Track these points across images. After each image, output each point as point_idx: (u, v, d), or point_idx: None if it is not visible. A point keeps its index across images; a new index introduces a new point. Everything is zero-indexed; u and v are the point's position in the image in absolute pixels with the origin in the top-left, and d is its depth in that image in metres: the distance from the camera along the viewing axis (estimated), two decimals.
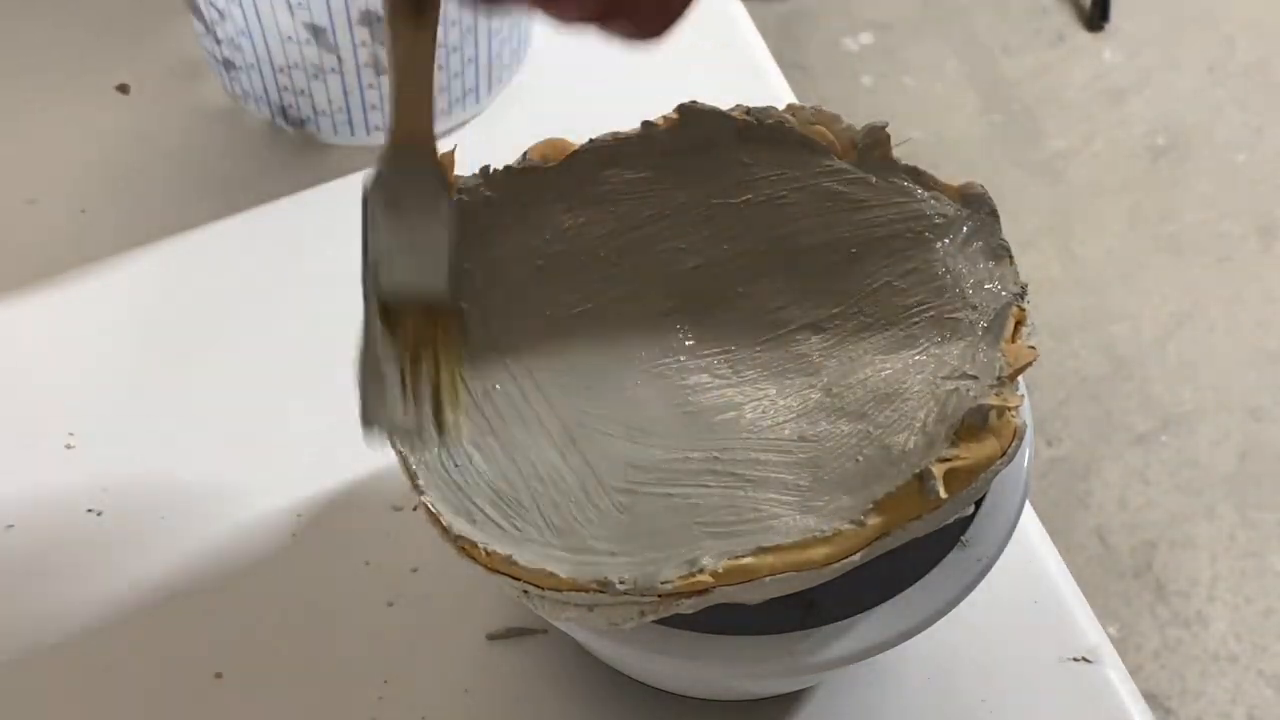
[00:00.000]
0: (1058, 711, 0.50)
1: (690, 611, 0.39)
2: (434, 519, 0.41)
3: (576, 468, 0.41)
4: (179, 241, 0.66)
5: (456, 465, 0.41)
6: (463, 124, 0.71)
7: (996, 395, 0.41)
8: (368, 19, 0.63)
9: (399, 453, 0.41)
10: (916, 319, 0.44)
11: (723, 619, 0.41)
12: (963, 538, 0.43)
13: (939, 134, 1.80)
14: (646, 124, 0.48)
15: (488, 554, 0.39)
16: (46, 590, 0.53)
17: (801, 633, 0.41)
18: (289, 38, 0.64)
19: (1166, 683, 1.28)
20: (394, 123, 0.40)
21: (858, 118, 0.49)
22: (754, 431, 0.42)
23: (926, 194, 0.47)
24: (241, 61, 0.67)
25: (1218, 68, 1.87)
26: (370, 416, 0.40)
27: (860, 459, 0.41)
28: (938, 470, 0.39)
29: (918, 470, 0.39)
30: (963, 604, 0.42)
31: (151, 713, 0.50)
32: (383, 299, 0.41)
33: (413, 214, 0.41)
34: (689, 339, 0.45)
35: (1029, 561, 0.54)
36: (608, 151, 0.47)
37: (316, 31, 0.63)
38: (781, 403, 0.43)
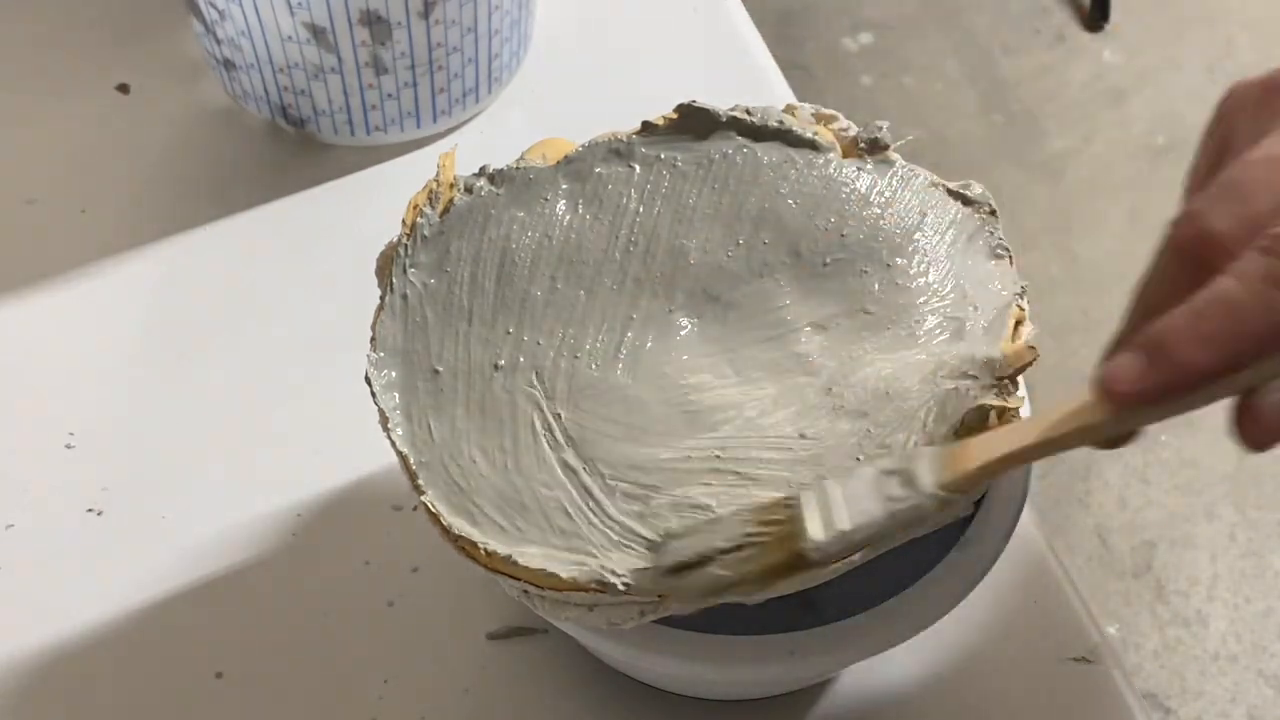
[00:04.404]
0: (1058, 711, 0.50)
1: (690, 611, 0.39)
2: (434, 519, 0.40)
3: (577, 468, 0.41)
4: (179, 241, 0.66)
5: (459, 465, 0.41)
6: (463, 124, 0.71)
7: (996, 395, 0.41)
8: (368, 19, 0.63)
9: (399, 453, 0.41)
10: (917, 318, 0.44)
11: (723, 619, 0.41)
12: (963, 538, 0.43)
13: (939, 134, 1.80)
14: (646, 124, 0.48)
15: (488, 554, 0.39)
16: (46, 590, 0.53)
17: (801, 633, 0.41)
18: (289, 38, 0.64)
19: (1166, 682, 1.28)
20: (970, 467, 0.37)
21: (858, 118, 0.49)
22: (755, 430, 0.42)
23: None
24: (241, 61, 0.66)
25: (1218, 68, 1.87)
26: None
27: (860, 458, 0.41)
28: None
29: None
30: (963, 604, 0.42)
31: (151, 713, 0.50)
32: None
33: (905, 524, 0.38)
34: (690, 338, 0.45)
35: (1029, 561, 0.54)
36: (608, 151, 0.47)
37: (316, 31, 0.63)
38: (782, 402, 0.43)
